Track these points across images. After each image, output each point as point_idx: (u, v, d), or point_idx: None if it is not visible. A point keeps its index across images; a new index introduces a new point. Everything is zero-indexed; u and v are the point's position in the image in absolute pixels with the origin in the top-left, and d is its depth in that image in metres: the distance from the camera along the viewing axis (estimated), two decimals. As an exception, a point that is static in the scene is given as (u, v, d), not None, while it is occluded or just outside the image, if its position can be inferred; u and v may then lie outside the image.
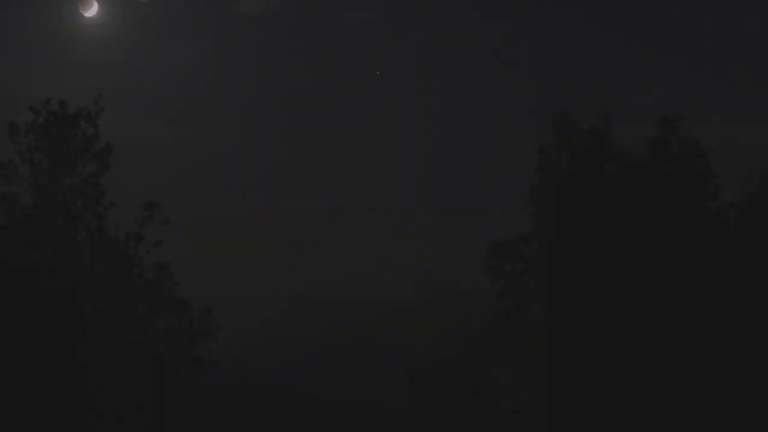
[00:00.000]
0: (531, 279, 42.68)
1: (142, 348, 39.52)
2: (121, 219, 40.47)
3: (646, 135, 42.71)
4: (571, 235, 41.93)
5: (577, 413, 40.30)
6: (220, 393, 39.52)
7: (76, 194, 40.19)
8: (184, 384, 39.85)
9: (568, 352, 40.87)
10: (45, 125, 40.08)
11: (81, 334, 37.92)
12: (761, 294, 39.29)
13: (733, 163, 44.89)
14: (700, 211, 41.82)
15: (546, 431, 41.48)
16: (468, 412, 43.15)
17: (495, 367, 43.13)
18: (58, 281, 37.75)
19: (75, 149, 40.31)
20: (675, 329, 39.24)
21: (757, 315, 39.17)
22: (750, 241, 40.62)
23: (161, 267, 40.04)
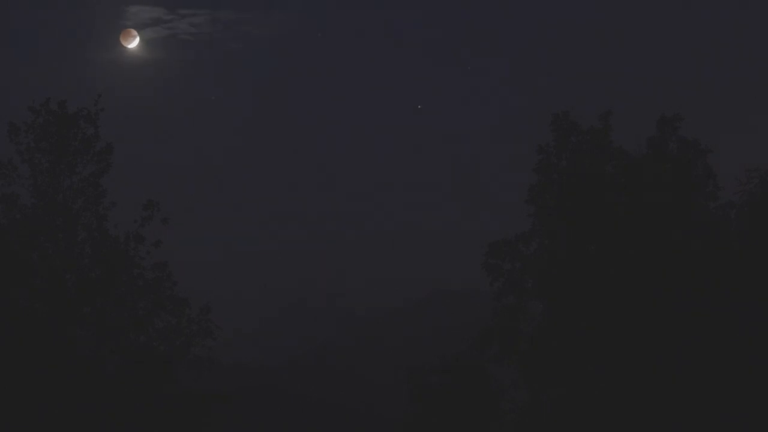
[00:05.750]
0: (530, 278, 42.68)
1: (142, 348, 39.50)
2: (120, 218, 40.46)
3: (646, 135, 42.74)
4: (571, 235, 41.97)
5: (576, 413, 40.34)
6: (220, 393, 39.55)
7: (76, 194, 40.17)
8: (184, 383, 39.83)
9: (567, 351, 40.92)
10: (45, 125, 40.11)
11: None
12: (761, 293, 39.31)
13: (732, 163, 44.90)
14: (699, 211, 41.87)
15: (546, 431, 41.51)
16: (468, 412, 43.16)
17: (494, 367, 43.13)
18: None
19: (75, 149, 40.29)
20: (674, 328, 39.28)
21: (757, 315, 39.19)
22: (749, 241, 40.63)
23: (161, 266, 40.05)
